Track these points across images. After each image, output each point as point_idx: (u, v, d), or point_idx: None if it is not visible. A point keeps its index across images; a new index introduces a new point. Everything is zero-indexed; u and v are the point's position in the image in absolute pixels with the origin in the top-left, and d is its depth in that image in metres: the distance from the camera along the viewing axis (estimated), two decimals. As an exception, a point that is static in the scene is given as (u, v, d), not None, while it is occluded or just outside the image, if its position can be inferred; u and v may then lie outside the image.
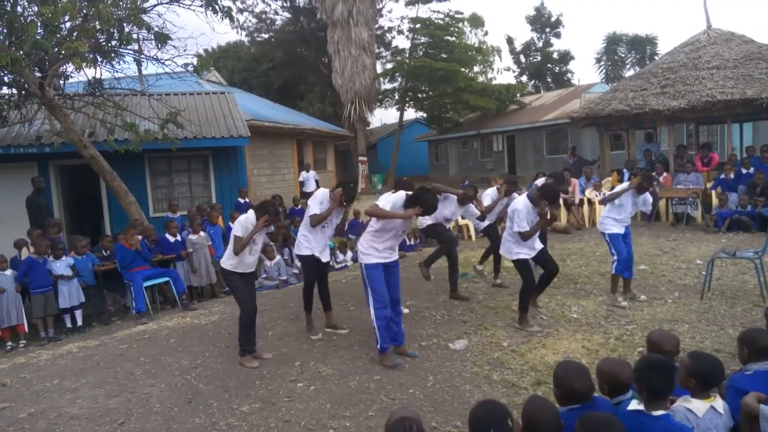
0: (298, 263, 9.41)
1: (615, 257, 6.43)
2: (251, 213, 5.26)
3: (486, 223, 7.42)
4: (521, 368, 4.78)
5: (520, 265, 5.82)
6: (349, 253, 10.25)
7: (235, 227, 5.24)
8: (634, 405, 2.61)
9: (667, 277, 7.46)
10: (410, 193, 4.93)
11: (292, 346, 5.74)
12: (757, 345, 2.98)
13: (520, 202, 5.79)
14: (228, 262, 5.33)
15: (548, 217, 5.75)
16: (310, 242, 5.88)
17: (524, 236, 5.65)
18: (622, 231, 6.45)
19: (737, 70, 11.85)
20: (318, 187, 12.56)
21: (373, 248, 5.02)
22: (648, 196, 6.52)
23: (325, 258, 6.00)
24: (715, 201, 11.01)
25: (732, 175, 11.17)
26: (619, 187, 6.61)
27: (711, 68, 12.21)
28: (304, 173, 15.89)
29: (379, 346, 4.98)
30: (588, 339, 5.36)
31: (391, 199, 4.96)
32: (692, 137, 16.80)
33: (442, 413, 4.07)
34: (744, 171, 11.10)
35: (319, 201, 5.71)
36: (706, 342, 5.08)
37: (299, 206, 12.21)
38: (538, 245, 5.90)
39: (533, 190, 6.00)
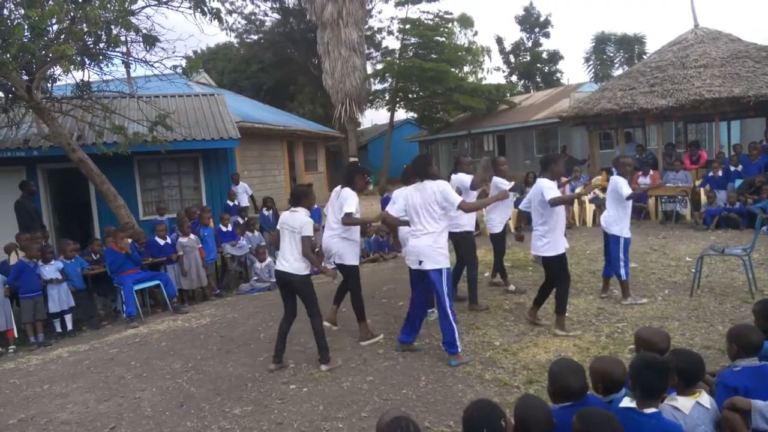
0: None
1: (623, 262, 6.32)
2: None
3: (499, 229, 7.21)
4: (513, 367, 4.80)
5: (549, 261, 5.56)
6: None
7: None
8: (626, 402, 2.61)
9: (656, 275, 7.51)
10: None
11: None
12: (745, 341, 3.01)
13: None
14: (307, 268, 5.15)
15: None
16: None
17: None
18: (629, 235, 6.36)
19: (724, 68, 11.95)
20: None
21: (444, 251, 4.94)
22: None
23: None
24: (703, 199, 11.09)
25: (720, 173, 11.26)
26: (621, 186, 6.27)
27: (698, 67, 12.31)
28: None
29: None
30: (579, 337, 5.38)
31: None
32: (681, 135, 16.91)
33: (434, 413, 4.08)
34: (732, 168, 11.19)
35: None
36: (696, 339, 5.12)
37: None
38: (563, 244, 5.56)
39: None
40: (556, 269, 5.54)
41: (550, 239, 5.47)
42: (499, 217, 7.19)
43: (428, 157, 5.38)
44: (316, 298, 5.17)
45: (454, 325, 4.90)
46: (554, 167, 5.58)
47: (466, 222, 6.38)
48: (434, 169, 5.11)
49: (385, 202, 12.38)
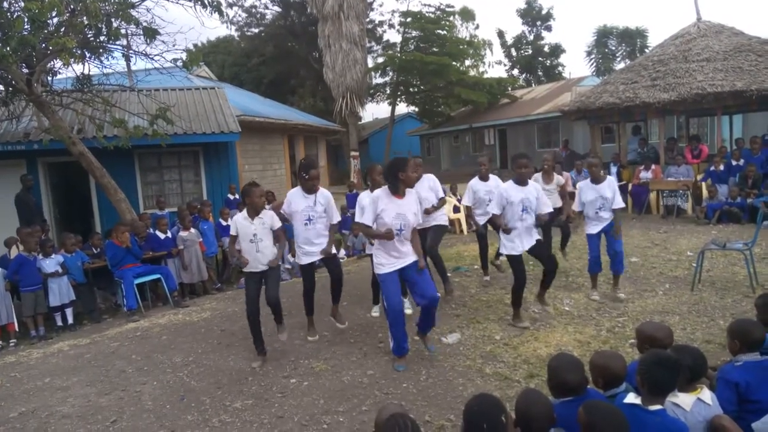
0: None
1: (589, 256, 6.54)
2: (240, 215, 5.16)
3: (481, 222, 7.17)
4: (514, 361, 4.80)
5: (511, 260, 5.74)
6: (343, 250, 10.23)
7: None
8: (631, 398, 2.59)
9: (658, 269, 7.50)
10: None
11: (285, 342, 5.72)
12: (747, 336, 3.00)
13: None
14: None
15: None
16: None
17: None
18: (595, 231, 6.42)
19: (727, 62, 11.89)
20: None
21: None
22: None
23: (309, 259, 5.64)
24: (705, 193, 11.06)
25: (722, 167, 11.23)
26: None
27: (701, 60, 12.25)
28: None
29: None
30: (580, 331, 5.38)
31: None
32: (682, 129, 16.87)
33: (435, 407, 4.08)
34: (734, 163, 11.16)
35: None
36: (697, 333, 5.12)
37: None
38: (526, 243, 5.66)
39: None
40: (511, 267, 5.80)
41: (502, 240, 5.76)
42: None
43: (395, 162, 4.77)
44: (246, 293, 5.26)
45: (391, 325, 4.84)
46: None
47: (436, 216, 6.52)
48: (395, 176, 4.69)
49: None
